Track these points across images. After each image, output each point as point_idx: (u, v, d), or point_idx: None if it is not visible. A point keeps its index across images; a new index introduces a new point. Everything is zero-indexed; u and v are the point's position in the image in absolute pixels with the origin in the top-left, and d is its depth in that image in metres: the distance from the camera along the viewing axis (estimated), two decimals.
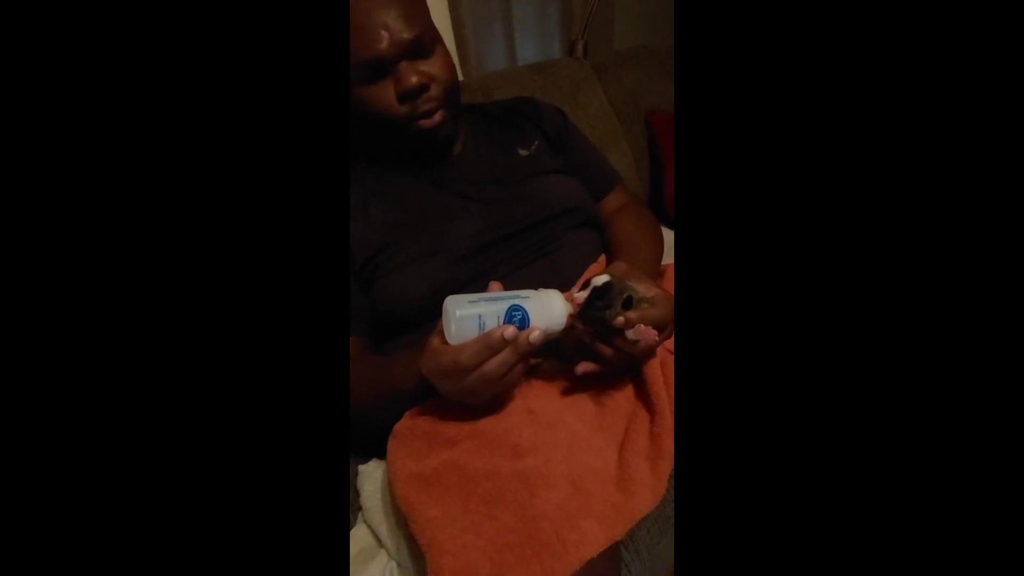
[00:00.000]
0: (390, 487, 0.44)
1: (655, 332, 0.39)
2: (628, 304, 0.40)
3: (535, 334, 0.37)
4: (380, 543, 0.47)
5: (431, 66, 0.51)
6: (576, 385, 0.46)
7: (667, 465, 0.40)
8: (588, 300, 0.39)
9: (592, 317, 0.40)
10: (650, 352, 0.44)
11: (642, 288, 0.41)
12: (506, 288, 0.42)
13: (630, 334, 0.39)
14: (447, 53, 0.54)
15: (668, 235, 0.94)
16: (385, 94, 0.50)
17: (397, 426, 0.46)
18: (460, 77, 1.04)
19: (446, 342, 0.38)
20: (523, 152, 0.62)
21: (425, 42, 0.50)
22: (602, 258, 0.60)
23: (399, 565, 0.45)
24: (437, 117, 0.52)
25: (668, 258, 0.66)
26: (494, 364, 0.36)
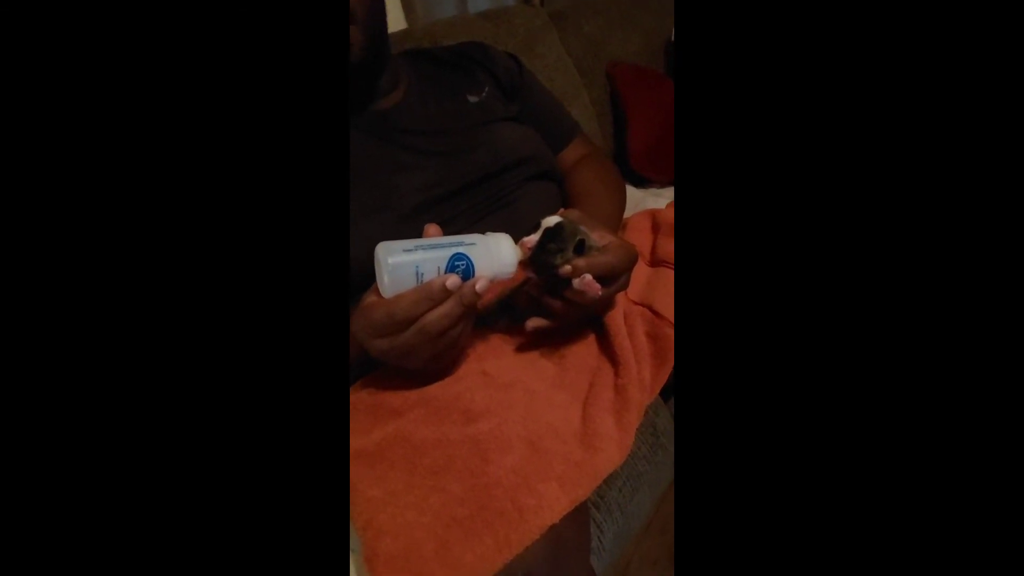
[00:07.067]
0: None
1: (599, 285, 0.36)
2: (581, 248, 0.36)
3: (481, 283, 0.33)
4: None
5: None
6: (535, 343, 0.43)
7: (633, 417, 0.37)
8: (540, 243, 0.36)
9: (543, 262, 0.36)
10: (606, 304, 0.41)
11: (595, 236, 0.38)
12: None
13: (576, 284, 0.36)
14: None
15: (631, 190, 0.90)
16: None
17: None
18: (405, 24, 0.96)
19: (381, 297, 0.34)
20: (472, 99, 0.57)
21: None
22: (561, 212, 0.56)
23: (352, 551, 0.42)
24: (355, 48, 0.44)
25: (629, 213, 0.63)
26: (434, 316, 0.32)
